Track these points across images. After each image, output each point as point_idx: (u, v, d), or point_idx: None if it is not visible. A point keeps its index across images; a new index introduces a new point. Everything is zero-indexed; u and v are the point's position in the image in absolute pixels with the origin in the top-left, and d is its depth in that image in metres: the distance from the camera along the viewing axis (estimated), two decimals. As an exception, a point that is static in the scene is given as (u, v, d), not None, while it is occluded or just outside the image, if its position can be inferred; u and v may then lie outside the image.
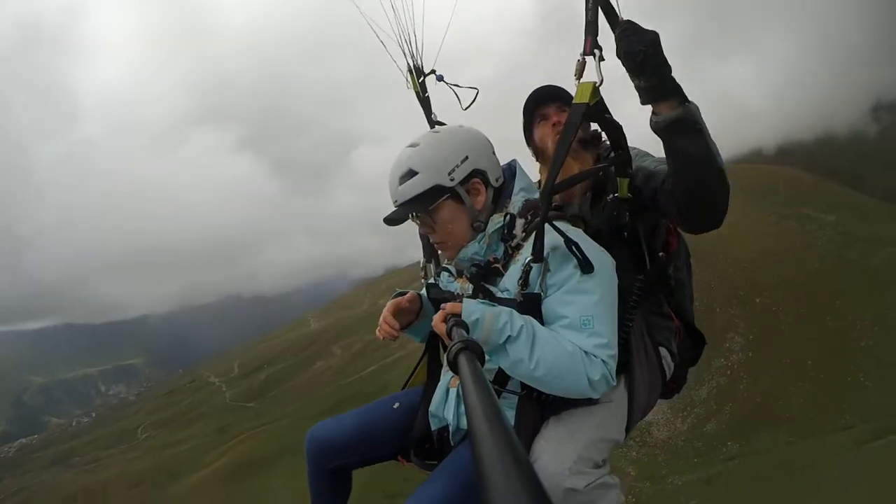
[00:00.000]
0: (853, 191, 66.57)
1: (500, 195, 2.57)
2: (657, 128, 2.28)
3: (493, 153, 2.60)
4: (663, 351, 2.82)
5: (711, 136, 2.30)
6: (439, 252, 2.88)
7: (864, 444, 27.75)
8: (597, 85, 2.32)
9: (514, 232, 2.46)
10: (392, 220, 2.49)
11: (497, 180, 2.55)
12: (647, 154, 2.85)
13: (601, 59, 2.31)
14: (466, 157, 2.45)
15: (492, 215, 2.53)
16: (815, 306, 41.64)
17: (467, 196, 2.48)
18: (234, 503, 43.62)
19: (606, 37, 2.32)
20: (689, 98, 2.27)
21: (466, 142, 2.51)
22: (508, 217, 2.48)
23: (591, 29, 2.32)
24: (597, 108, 2.36)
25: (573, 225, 2.54)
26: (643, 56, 2.14)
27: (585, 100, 2.30)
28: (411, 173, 2.44)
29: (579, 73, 2.36)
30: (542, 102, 3.08)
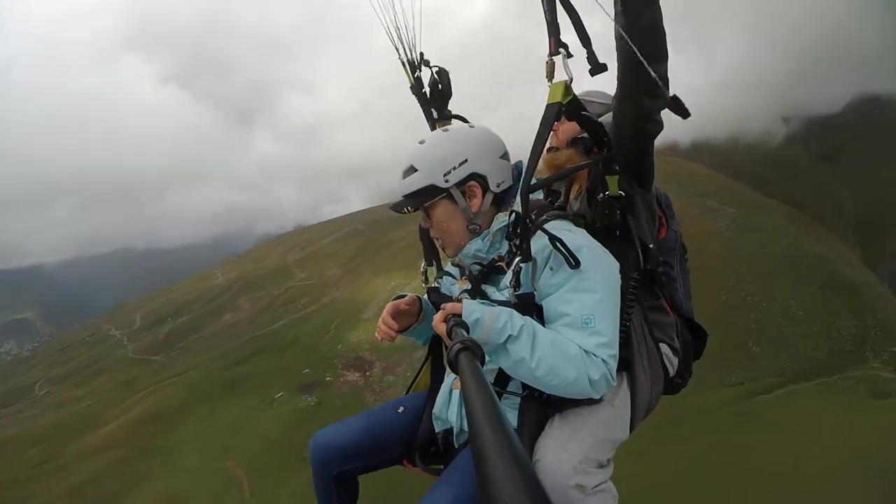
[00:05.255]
0: (755, 191, 72.24)
1: (506, 196, 2.58)
2: None
3: (503, 157, 2.59)
4: (664, 348, 2.81)
5: None
6: (441, 251, 2.84)
7: (752, 396, 33.19)
8: (568, 83, 2.31)
9: (518, 231, 2.39)
10: (395, 209, 2.55)
11: (499, 185, 2.54)
12: None
13: (568, 55, 2.29)
14: (465, 160, 2.46)
15: (496, 214, 2.55)
16: (712, 283, 45.44)
17: (462, 198, 2.49)
18: (145, 456, 42.55)
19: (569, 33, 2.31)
20: None
21: (470, 143, 2.52)
22: (514, 215, 2.43)
23: (553, 29, 2.29)
24: (571, 106, 2.36)
25: (576, 224, 2.59)
26: None
27: (558, 99, 2.30)
28: (412, 169, 2.49)
29: (550, 75, 2.35)
30: None
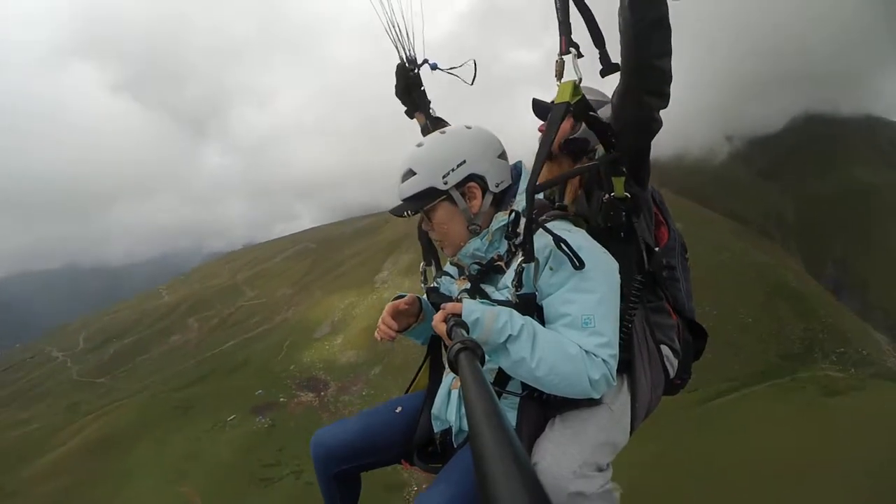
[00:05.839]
0: (700, 206, 74.12)
1: (505, 195, 2.56)
2: None
3: (501, 156, 2.57)
4: (665, 349, 2.79)
5: None
6: (440, 251, 2.80)
7: (706, 402, 34.11)
8: (577, 83, 2.30)
9: (517, 230, 2.42)
10: (395, 213, 2.53)
11: (498, 185, 2.52)
12: None
13: (578, 56, 2.30)
14: (464, 161, 2.44)
15: (495, 214, 2.53)
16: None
17: (462, 199, 2.48)
18: (97, 483, 41.24)
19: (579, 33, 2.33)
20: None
21: (467, 144, 2.50)
22: (513, 214, 2.43)
23: (565, 28, 2.29)
24: (579, 107, 2.36)
25: (576, 225, 2.59)
26: None
27: (566, 99, 2.29)
28: (411, 173, 2.47)
29: (559, 73, 2.33)
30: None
